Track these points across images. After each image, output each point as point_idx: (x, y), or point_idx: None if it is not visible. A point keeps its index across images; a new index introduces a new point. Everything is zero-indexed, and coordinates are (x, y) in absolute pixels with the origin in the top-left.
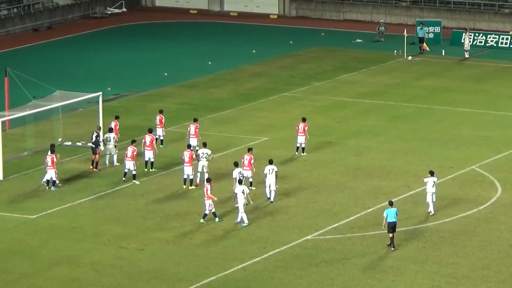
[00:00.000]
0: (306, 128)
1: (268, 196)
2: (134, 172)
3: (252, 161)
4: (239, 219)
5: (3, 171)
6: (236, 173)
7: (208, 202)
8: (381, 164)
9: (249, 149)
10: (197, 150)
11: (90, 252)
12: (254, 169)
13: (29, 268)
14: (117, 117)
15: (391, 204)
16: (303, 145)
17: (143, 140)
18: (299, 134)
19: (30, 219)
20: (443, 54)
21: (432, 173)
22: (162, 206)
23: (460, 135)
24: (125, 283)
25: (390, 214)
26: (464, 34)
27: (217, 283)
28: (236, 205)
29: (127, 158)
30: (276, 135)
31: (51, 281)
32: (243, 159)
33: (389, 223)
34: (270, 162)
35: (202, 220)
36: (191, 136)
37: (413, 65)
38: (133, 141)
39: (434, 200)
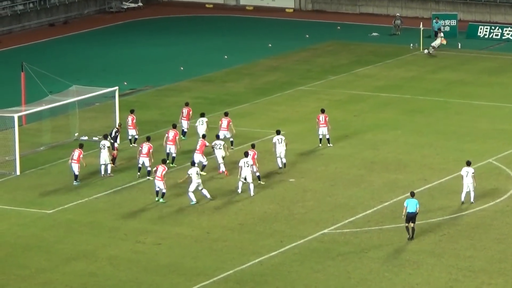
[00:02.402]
0: (327, 118)
1: (280, 166)
2: (149, 169)
3: (256, 156)
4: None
5: (20, 166)
6: (242, 162)
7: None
8: (398, 157)
9: (253, 145)
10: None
11: (107, 247)
12: (257, 165)
13: (46, 262)
14: (132, 111)
15: (412, 194)
16: (327, 136)
17: (166, 135)
18: (320, 125)
19: (47, 214)
20: (459, 47)
21: (468, 163)
22: (179, 200)
23: (476, 128)
24: (142, 277)
25: (410, 205)
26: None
27: (234, 277)
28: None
29: (142, 155)
30: (292, 129)
31: (68, 275)
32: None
33: (408, 213)
34: (278, 133)
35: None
36: (222, 128)
37: (429, 59)
38: (148, 138)
39: (473, 189)
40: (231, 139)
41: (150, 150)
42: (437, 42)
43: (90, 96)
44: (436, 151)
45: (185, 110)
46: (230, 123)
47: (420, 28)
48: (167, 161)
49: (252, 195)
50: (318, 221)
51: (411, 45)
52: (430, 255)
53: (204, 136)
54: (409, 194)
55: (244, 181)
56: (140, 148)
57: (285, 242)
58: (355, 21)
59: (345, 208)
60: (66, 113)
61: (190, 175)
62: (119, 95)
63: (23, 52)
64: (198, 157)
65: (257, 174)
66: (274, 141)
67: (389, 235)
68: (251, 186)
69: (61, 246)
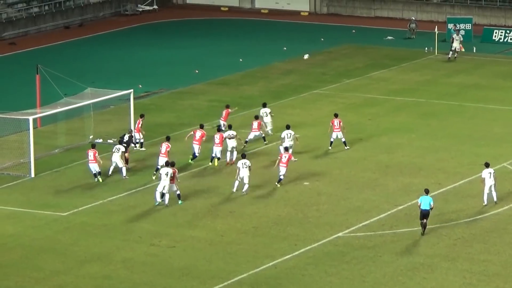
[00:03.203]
0: (341, 123)
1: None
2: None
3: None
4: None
5: (35, 169)
6: (240, 163)
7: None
8: (412, 161)
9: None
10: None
11: (122, 249)
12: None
13: (60, 265)
14: (142, 116)
15: (427, 192)
16: (343, 139)
17: (193, 134)
18: (335, 130)
19: (61, 216)
20: (474, 51)
21: (487, 165)
22: (193, 203)
23: (491, 132)
24: (156, 280)
25: (424, 202)
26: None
27: (248, 280)
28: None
29: (161, 154)
30: (307, 132)
31: (82, 278)
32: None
33: (422, 210)
34: (288, 127)
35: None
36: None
37: (444, 62)
38: (167, 138)
39: (494, 190)
40: (263, 135)
41: (168, 150)
42: (455, 45)
43: (105, 98)
44: (451, 155)
45: (224, 112)
46: (261, 123)
47: (435, 32)
48: (190, 159)
49: (243, 193)
50: (333, 225)
51: (426, 48)
52: (444, 259)
53: (219, 129)
54: (423, 191)
55: (241, 181)
56: (159, 147)
57: (299, 245)
58: (370, 25)
59: (359, 212)
60: (81, 116)
61: (160, 175)
62: (134, 98)
63: (38, 55)
64: (217, 150)
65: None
66: (282, 136)
67: (403, 239)
68: (246, 187)
69: (75, 248)
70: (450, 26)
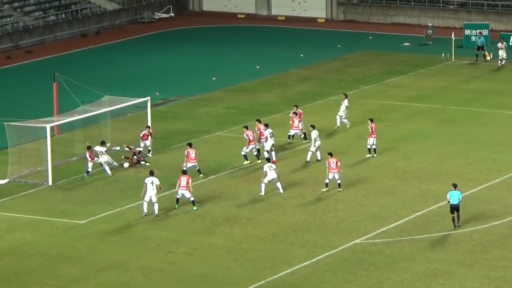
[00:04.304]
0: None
1: (313, 158)
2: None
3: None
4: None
5: (52, 176)
6: (267, 166)
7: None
8: (430, 167)
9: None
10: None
11: (139, 257)
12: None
13: (78, 273)
14: (148, 127)
15: (455, 186)
16: (374, 147)
17: (249, 136)
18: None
19: (79, 224)
20: (491, 57)
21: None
22: (211, 210)
23: (508, 138)
24: (174, 287)
25: (453, 197)
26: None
27: (266, 287)
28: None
29: (191, 160)
30: (324, 139)
31: (100, 286)
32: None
33: (452, 204)
34: (313, 127)
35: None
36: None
37: (461, 68)
38: (189, 144)
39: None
40: (304, 132)
41: (194, 154)
42: (501, 54)
43: (122, 106)
44: (468, 161)
45: (294, 113)
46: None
47: (452, 38)
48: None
49: (281, 192)
50: (350, 231)
51: (443, 55)
52: (462, 265)
53: (259, 121)
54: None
55: (268, 182)
56: (186, 153)
57: (317, 252)
58: (387, 31)
59: (377, 218)
60: (98, 123)
61: (146, 184)
62: (151, 105)
63: (55, 63)
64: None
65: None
66: (314, 136)
67: (421, 245)
68: (279, 185)
69: (93, 256)
70: (467, 32)
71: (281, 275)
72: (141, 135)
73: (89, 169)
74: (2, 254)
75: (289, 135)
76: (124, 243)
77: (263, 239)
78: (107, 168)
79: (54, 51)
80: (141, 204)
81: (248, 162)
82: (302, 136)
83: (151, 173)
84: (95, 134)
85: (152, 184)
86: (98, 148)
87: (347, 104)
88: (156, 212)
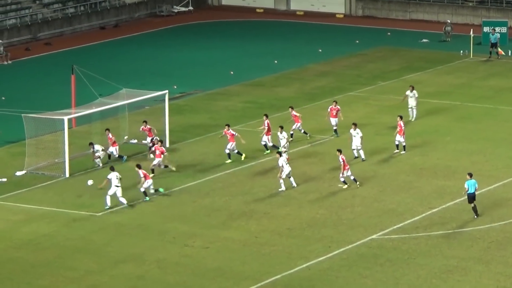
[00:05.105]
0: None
1: (356, 155)
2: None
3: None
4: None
5: (69, 169)
6: (281, 160)
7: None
8: (447, 164)
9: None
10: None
11: (155, 250)
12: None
13: (94, 265)
14: (144, 122)
15: (470, 175)
16: (403, 143)
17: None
18: (400, 132)
19: (96, 217)
20: (510, 54)
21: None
22: (228, 204)
23: None
24: (190, 281)
25: (470, 186)
26: None
27: (282, 281)
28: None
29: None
30: (342, 135)
31: (116, 278)
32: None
33: (469, 194)
34: (355, 125)
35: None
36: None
37: (479, 65)
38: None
39: None
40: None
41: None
42: None
43: (140, 99)
44: (485, 158)
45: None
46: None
47: (471, 35)
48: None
49: (295, 186)
50: (367, 227)
51: (461, 51)
52: (478, 262)
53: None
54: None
55: (285, 177)
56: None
57: (333, 247)
58: (405, 27)
59: (393, 214)
60: (115, 116)
61: (110, 180)
62: (169, 99)
63: (73, 55)
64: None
65: (341, 178)
66: (352, 133)
67: (437, 242)
68: (292, 180)
69: (109, 248)
70: (486, 29)
71: (297, 269)
72: (140, 129)
73: (116, 154)
74: (19, 246)
75: (291, 133)
76: (140, 236)
77: (280, 234)
78: (98, 161)
79: (72, 43)
80: (106, 198)
81: (268, 151)
82: (303, 131)
83: (112, 169)
84: (113, 127)
85: (118, 179)
86: (97, 147)
87: (416, 95)
88: (125, 202)
